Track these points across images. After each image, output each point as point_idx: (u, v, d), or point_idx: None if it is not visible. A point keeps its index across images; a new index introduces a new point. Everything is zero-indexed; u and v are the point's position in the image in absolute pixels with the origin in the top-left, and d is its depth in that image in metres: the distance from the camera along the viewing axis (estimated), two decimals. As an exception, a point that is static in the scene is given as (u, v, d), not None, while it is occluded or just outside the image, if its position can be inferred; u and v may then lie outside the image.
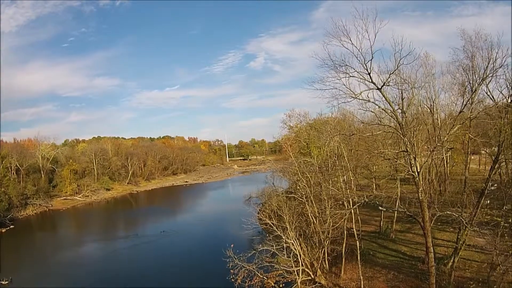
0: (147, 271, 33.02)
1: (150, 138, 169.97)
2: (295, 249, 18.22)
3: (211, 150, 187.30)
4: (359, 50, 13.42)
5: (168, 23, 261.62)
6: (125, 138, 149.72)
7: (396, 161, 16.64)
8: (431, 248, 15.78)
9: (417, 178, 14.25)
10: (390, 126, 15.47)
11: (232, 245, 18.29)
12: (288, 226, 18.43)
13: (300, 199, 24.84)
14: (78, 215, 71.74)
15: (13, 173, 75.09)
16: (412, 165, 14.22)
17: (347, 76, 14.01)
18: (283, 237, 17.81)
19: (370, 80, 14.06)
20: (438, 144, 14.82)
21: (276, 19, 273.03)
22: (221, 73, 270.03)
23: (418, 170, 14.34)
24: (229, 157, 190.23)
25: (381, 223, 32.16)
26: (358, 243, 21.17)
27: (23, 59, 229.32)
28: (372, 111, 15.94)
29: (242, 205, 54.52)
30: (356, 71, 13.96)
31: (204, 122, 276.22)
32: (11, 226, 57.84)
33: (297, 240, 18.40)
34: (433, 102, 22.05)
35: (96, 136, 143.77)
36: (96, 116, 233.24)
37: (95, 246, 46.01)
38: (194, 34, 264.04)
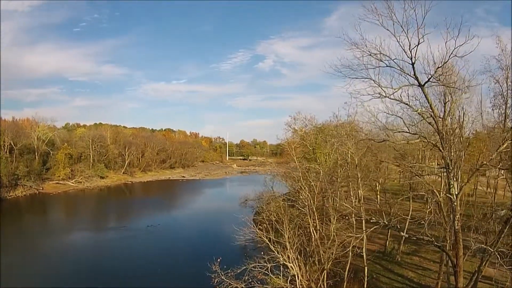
0: (122, 270, 30.47)
1: (152, 129, 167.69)
2: (293, 270, 15.53)
3: (211, 147, 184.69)
4: (403, 28, 10.46)
5: (181, 17, 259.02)
6: (126, 127, 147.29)
7: (435, 176, 13.90)
8: (461, 288, 13.00)
9: (455, 203, 11.52)
10: (424, 137, 12.64)
11: (219, 259, 15.63)
12: (288, 245, 15.75)
13: (302, 209, 22.16)
14: (68, 200, 69.48)
15: (6, 152, 73.08)
16: (451, 186, 11.51)
17: (382, 66, 11.17)
18: (281, 258, 15.08)
19: (413, 73, 11.20)
20: (485, 163, 12.10)
21: (289, 23, 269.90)
22: (229, 71, 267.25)
23: (457, 193, 11.62)
24: (229, 155, 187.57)
25: (387, 242, 29.31)
26: (366, 269, 18.44)
27: (33, 40, 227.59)
28: (400, 117, 13.24)
29: (237, 207, 51.99)
30: (392, 59, 11.05)
31: (207, 118, 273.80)
32: (-3, 206, 55.84)
33: (296, 260, 15.77)
34: (462, 114, 19.33)
35: (97, 123, 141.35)
36: (100, 103, 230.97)
37: (79, 235, 43.74)
38: (206, 30, 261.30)
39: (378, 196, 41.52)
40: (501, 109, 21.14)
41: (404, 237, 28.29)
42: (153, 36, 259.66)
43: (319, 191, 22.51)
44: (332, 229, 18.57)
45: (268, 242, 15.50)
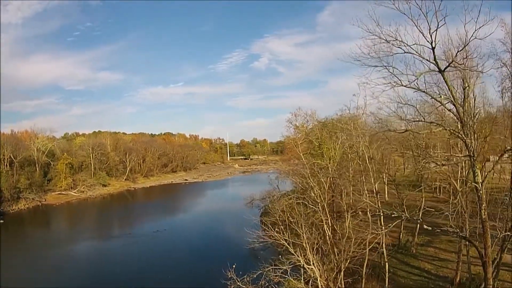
0: (126, 274, 30.07)
1: (151, 134, 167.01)
2: (313, 272, 14.97)
3: (212, 148, 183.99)
4: (421, 11, 9.84)
5: (175, 20, 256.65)
6: (125, 133, 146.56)
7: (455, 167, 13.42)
8: (491, 280, 12.53)
9: (481, 191, 11.04)
10: (441, 126, 12.16)
11: (234, 266, 15.09)
12: (307, 246, 15.18)
13: (313, 206, 21.61)
14: (71, 211, 68.93)
15: (6, 165, 72.46)
16: (476, 174, 11.03)
17: (399, 52, 10.61)
18: (302, 261, 14.52)
19: (434, 58, 10.69)
20: (510, 148, 11.60)
21: (282, 21, 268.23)
22: (226, 71, 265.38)
23: (481, 181, 11.14)
24: (230, 155, 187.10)
25: (401, 235, 28.82)
26: (387, 266, 17.92)
27: (28, 51, 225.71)
28: (413, 106, 12.73)
29: (244, 208, 51.50)
30: (409, 45, 10.47)
31: (207, 119, 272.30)
32: (1, 221, 55.19)
33: (316, 263, 15.22)
34: (474, 100, 18.81)
35: (96, 131, 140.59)
36: (98, 109, 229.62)
37: (84, 244, 43.22)
38: (203, 31, 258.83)
39: (386, 188, 41.04)
40: (510, 92, 20.64)
41: (418, 229, 27.85)
42: (148, 40, 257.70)
43: (329, 187, 21.98)
44: (347, 226, 18.06)
45: (288, 246, 14.93)
